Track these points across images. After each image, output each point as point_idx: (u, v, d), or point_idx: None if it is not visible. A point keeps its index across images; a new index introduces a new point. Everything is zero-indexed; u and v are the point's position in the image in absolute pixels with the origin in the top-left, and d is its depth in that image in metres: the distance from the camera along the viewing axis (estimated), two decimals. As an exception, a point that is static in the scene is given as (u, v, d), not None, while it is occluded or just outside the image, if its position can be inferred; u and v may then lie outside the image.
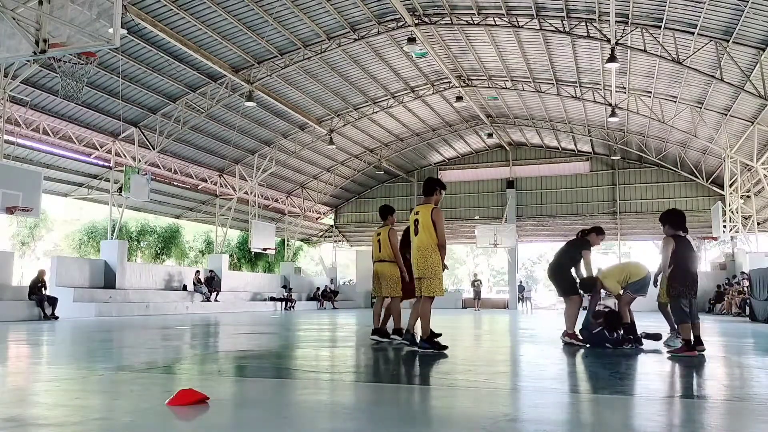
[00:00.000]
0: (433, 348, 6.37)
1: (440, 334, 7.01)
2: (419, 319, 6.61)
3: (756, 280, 16.35)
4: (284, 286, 27.83)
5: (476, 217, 32.12)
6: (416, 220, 6.49)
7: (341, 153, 28.67)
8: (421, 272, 6.41)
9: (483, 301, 29.35)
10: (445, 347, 6.48)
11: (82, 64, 10.59)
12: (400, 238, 7.67)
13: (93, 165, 21.14)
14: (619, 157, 28.75)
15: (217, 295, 22.90)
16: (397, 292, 7.54)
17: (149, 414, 3.24)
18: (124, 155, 20.85)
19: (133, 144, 20.58)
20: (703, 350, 6.50)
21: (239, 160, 25.56)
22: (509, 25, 17.41)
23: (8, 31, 6.94)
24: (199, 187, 26.21)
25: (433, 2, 17.36)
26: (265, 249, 27.36)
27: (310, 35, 18.30)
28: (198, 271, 23.51)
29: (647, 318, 10.79)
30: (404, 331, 7.19)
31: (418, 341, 6.60)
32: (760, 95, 15.70)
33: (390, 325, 7.77)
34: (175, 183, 24.65)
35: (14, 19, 6.78)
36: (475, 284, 29.58)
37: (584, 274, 7.60)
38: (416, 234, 6.47)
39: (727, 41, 14.98)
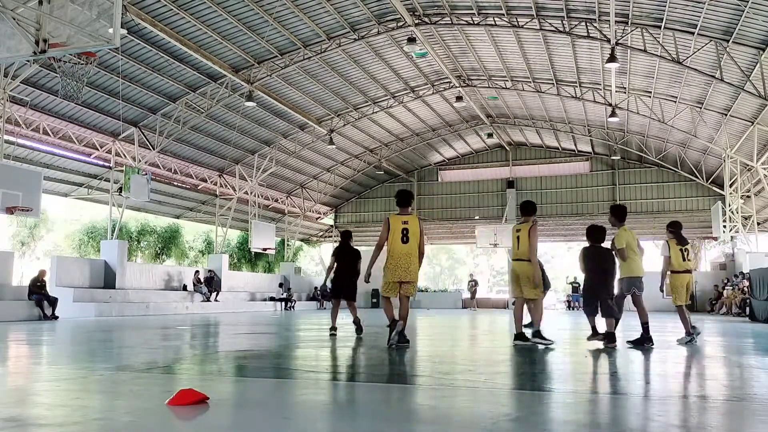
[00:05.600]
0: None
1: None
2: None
3: (756, 280, 16.35)
4: (281, 285, 27.66)
5: (476, 217, 32.11)
6: (406, 229, 7.02)
7: (341, 153, 28.66)
8: (411, 276, 7.00)
9: (482, 301, 29.32)
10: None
11: (82, 64, 10.57)
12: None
13: (93, 165, 21.13)
14: (619, 157, 28.73)
15: (217, 295, 22.89)
16: (537, 294, 7.26)
17: (149, 414, 3.24)
18: (124, 155, 20.85)
19: (133, 144, 20.57)
20: (615, 346, 7.02)
21: (239, 160, 25.56)
22: (509, 25, 17.41)
23: (8, 31, 6.94)
24: (199, 187, 26.20)
25: (433, 2, 17.36)
26: (265, 249, 27.34)
27: (310, 35, 18.30)
28: (197, 271, 23.50)
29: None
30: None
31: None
32: (760, 95, 15.69)
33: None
34: (175, 183, 24.64)
35: (14, 19, 6.78)
36: (470, 284, 29.65)
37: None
38: (405, 242, 6.99)
39: (727, 41, 14.97)
